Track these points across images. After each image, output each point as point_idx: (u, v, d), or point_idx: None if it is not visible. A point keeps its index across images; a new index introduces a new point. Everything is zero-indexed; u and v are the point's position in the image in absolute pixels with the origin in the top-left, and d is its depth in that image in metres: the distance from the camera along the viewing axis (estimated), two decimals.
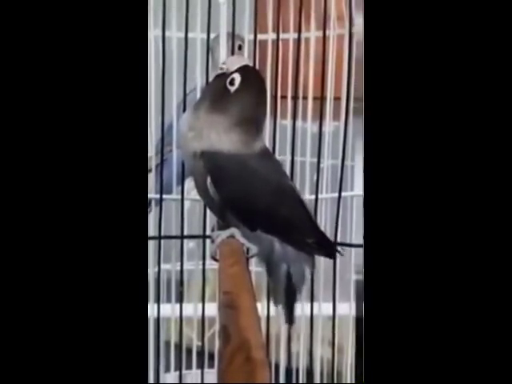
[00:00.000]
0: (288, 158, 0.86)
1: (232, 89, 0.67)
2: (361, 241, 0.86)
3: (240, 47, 0.92)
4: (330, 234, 0.87)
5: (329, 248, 0.74)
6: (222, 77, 0.68)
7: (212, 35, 0.86)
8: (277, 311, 0.75)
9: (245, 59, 0.73)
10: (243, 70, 0.67)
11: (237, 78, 0.67)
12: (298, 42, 0.86)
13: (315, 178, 0.88)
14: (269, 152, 0.74)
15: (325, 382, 1.03)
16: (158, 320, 0.91)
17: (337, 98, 0.95)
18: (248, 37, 0.92)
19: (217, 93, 0.67)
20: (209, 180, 0.66)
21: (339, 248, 0.79)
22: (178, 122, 0.72)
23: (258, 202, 0.68)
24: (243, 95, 0.67)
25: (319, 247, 0.73)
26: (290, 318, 0.75)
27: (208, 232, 0.86)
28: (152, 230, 0.93)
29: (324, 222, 0.94)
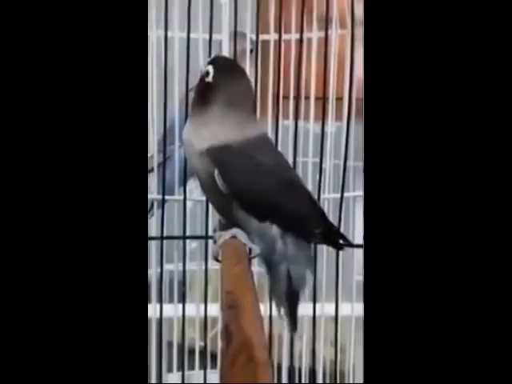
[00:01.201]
0: (290, 158, 0.86)
1: (209, 79, 0.68)
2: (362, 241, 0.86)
3: (251, 51, 0.92)
4: None
5: (336, 238, 0.74)
6: (202, 76, 0.70)
7: (214, 35, 0.86)
8: (279, 315, 0.75)
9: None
10: (214, 61, 0.70)
11: (210, 69, 0.69)
12: (300, 42, 0.86)
13: (317, 178, 0.88)
14: (271, 142, 0.74)
15: (327, 382, 1.03)
16: (160, 320, 0.91)
17: (339, 99, 0.95)
18: (250, 37, 0.92)
19: (200, 90, 0.69)
20: (216, 172, 0.66)
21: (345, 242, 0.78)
22: (183, 126, 0.72)
23: (266, 192, 0.68)
24: (220, 81, 0.68)
25: (327, 237, 0.73)
26: (293, 325, 0.75)
27: (210, 232, 0.86)
28: (154, 231, 0.93)
29: None
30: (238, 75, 0.70)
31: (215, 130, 0.67)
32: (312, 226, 0.72)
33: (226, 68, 0.69)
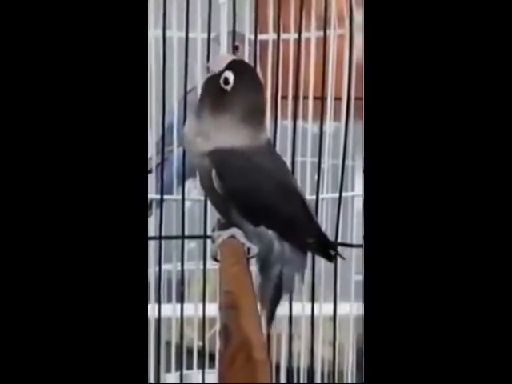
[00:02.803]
0: (289, 158, 0.86)
1: (228, 87, 0.67)
2: (361, 241, 0.86)
3: (237, 48, 0.92)
4: (330, 234, 0.87)
5: (329, 250, 0.74)
6: (214, 78, 0.68)
7: (212, 35, 0.86)
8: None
9: (229, 56, 0.73)
10: (233, 66, 0.67)
11: (229, 76, 0.66)
12: (298, 42, 0.86)
13: (316, 178, 0.88)
14: (273, 148, 0.74)
15: (325, 382, 1.03)
16: (158, 320, 0.91)
17: (337, 98, 0.95)
18: (249, 37, 0.92)
19: (215, 95, 0.67)
20: (214, 173, 0.66)
21: (340, 251, 0.78)
22: (181, 127, 0.72)
23: (261, 197, 0.68)
24: (241, 91, 0.67)
25: (319, 248, 0.73)
26: (270, 318, 0.75)
27: (209, 232, 0.86)
28: (153, 231, 0.93)
29: (325, 222, 0.94)
30: (257, 84, 0.68)
31: (225, 135, 0.67)
32: (305, 235, 0.72)
33: (247, 77, 0.68)
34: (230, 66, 0.67)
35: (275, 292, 0.73)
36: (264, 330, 0.85)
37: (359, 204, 0.96)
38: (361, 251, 0.89)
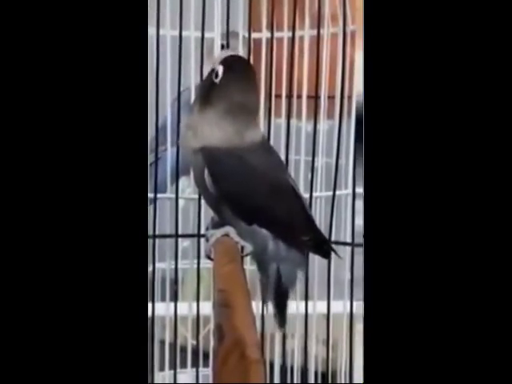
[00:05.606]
0: (282, 156, 0.86)
1: (217, 80, 0.67)
2: (355, 239, 0.86)
3: (222, 47, 0.92)
4: (324, 232, 0.87)
5: (324, 247, 0.74)
6: (209, 73, 0.68)
7: (206, 34, 0.86)
8: (267, 312, 0.75)
9: (230, 52, 0.73)
10: (226, 60, 0.68)
11: (220, 69, 0.67)
12: (292, 40, 0.86)
13: (310, 176, 0.88)
14: (269, 146, 0.74)
15: (319, 380, 1.03)
16: (152, 319, 0.91)
17: (331, 97, 0.95)
18: (242, 35, 0.92)
19: (205, 88, 0.68)
20: (206, 172, 0.66)
21: (335, 248, 0.78)
22: (175, 126, 0.72)
23: (254, 197, 0.68)
24: (228, 83, 0.66)
25: (315, 246, 0.73)
26: (281, 321, 0.75)
27: (203, 231, 0.86)
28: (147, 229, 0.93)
29: (318, 221, 0.94)
30: (248, 78, 0.68)
31: (212, 131, 0.67)
32: (300, 234, 0.71)
33: (236, 71, 0.67)
34: (223, 60, 0.68)
35: (277, 291, 0.73)
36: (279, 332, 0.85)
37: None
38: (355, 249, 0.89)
